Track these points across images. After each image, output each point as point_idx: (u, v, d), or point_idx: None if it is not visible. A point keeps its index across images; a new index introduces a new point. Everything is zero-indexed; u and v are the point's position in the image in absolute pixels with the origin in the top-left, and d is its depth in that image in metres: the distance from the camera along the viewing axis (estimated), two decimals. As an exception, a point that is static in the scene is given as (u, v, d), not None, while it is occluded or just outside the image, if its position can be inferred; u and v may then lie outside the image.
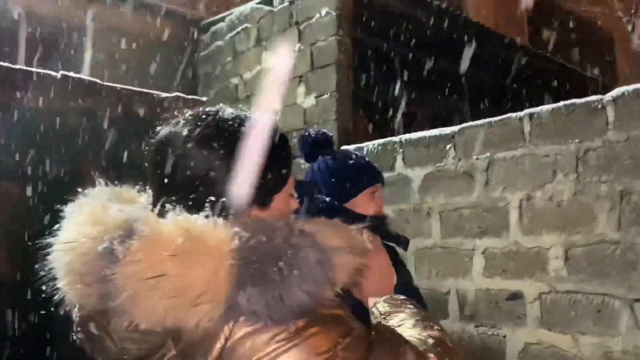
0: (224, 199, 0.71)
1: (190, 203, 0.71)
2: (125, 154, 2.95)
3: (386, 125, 4.00)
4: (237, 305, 0.62)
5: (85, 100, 2.90)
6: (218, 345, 0.65)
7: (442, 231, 2.70)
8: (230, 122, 0.78)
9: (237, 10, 4.39)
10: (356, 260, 0.72)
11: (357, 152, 1.63)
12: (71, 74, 2.94)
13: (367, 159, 1.60)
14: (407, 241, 1.57)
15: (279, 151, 0.78)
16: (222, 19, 4.58)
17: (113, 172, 0.99)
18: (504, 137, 2.45)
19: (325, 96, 3.45)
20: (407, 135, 2.93)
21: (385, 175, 2.96)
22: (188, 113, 0.80)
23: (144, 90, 3.23)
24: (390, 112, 4.20)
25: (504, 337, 2.43)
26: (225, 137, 0.75)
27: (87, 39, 4.59)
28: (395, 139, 2.98)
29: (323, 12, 3.52)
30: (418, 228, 2.81)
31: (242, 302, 0.63)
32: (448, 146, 2.69)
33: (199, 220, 0.68)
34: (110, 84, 3.05)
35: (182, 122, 0.78)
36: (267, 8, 4.03)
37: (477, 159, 2.55)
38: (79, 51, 4.62)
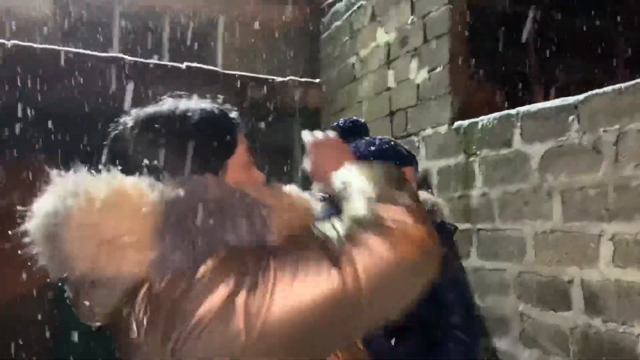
0: (162, 166, 0.83)
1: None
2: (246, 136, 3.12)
3: (513, 97, 3.67)
4: (162, 254, 0.70)
5: (205, 88, 3.12)
6: (143, 290, 0.75)
7: (564, 213, 2.41)
8: (171, 108, 0.89)
9: (353, -12, 4.34)
10: (290, 215, 0.82)
11: (389, 139, 1.54)
12: (194, 64, 3.20)
13: (393, 143, 1.51)
14: (452, 229, 1.46)
15: (218, 123, 0.89)
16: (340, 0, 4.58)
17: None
18: (636, 105, 2.08)
19: (439, 69, 3.27)
20: (526, 107, 2.65)
21: (502, 152, 2.75)
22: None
23: (259, 75, 3.37)
24: (517, 83, 3.84)
25: (638, 335, 2.10)
26: (165, 118, 0.88)
27: (219, 31, 4.93)
28: (513, 111, 2.72)
29: (435, -19, 3.31)
30: (537, 210, 2.55)
31: (165, 250, 0.73)
32: (571, 118, 2.37)
33: (128, 180, 0.79)
34: (228, 72, 3.24)
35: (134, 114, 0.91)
36: (381, -18, 3.92)
37: (604, 131, 2.21)
38: (213, 44, 4.99)
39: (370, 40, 4.04)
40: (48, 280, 0.87)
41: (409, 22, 3.55)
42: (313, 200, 0.90)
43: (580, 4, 3.67)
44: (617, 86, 2.20)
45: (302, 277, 0.73)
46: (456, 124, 3.11)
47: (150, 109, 0.90)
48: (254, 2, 4.95)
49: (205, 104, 0.90)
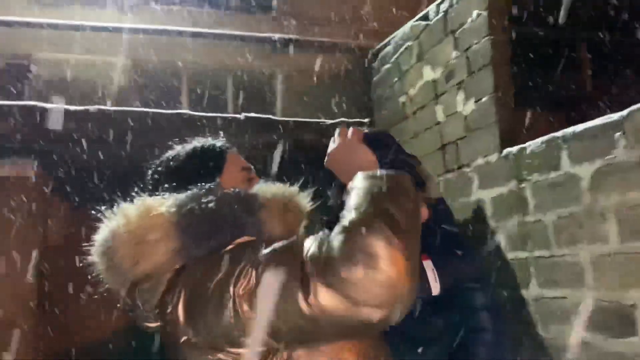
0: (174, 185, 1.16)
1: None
2: (296, 179, 3.31)
3: (566, 119, 3.61)
4: (183, 242, 0.89)
5: (263, 134, 3.38)
6: (168, 275, 1.00)
7: (620, 234, 2.32)
8: (170, 153, 1.30)
9: (399, 32, 4.52)
10: (284, 199, 1.07)
11: (400, 150, 1.60)
12: (251, 114, 3.47)
13: (402, 154, 1.56)
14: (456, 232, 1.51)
15: (200, 155, 1.24)
16: (388, 43, 4.76)
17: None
18: (680, 115, 2.02)
19: (484, 99, 3.31)
20: (571, 128, 2.62)
21: (552, 175, 2.73)
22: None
23: (312, 120, 3.58)
24: (569, 105, 3.77)
25: None
26: (164, 160, 1.28)
27: (277, 83, 5.28)
28: (558, 134, 2.69)
29: (474, 15, 3.40)
30: (593, 232, 2.47)
31: (184, 239, 0.98)
32: (617, 135, 2.33)
33: (152, 198, 1.09)
34: (283, 119, 3.48)
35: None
36: (424, 23, 4.06)
37: (652, 145, 2.15)
38: (273, 95, 5.34)
39: (417, 78, 4.15)
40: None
41: (453, 56, 3.64)
42: (308, 199, 1.12)
43: (626, 23, 3.59)
44: (660, 98, 2.15)
45: (274, 286, 0.87)
46: (505, 151, 3.11)
47: (163, 155, 1.28)
48: (308, 55, 5.27)
49: (194, 143, 1.21)
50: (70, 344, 3.53)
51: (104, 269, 1.06)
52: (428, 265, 1.52)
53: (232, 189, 1.09)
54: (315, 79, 5.25)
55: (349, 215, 0.92)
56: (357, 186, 1.00)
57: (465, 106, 3.51)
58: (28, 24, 5.00)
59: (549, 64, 4.22)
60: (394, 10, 5.42)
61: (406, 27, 4.37)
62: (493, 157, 3.21)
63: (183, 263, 0.98)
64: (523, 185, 2.94)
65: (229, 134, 3.51)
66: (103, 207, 1.12)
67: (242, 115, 3.47)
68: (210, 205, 1.01)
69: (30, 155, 3.39)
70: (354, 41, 5.55)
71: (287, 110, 5.20)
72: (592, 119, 2.52)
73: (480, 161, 3.34)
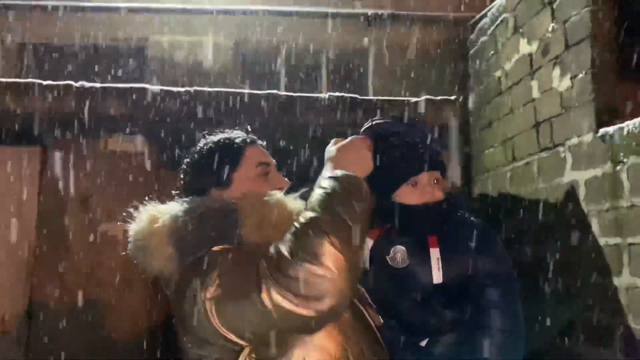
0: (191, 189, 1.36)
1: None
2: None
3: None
4: (176, 249, 1.05)
5: (347, 113, 3.47)
6: (176, 277, 1.08)
7: None
8: (207, 146, 1.41)
9: (496, 2, 4.31)
10: (262, 212, 1.18)
11: (408, 139, 1.53)
12: (335, 93, 3.57)
13: (408, 148, 1.51)
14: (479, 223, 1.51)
15: (217, 151, 1.34)
16: (485, 15, 4.57)
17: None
18: None
19: (581, 75, 3.10)
20: (675, 108, 2.40)
21: (650, 159, 2.53)
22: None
23: (396, 98, 3.60)
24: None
25: None
26: (199, 152, 1.39)
27: (370, 60, 5.30)
28: (660, 114, 2.48)
29: (574, -16, 3.17)
30: (693, 221, 2.28)
31: (175, 247, 1.04)
32: None
33: (162, 206, 1.28)
34: (366, 97, 3.54)
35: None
36: (521, -7, 3.85)
37: None
38: (364, 71, 5.37)
39: (513, 52, 3.97)
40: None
41: (550, 29, 3.43)
42: (297, 201, 1.26)
43: None
44: None
45: (233, 292, 1.05)
46: (601, 131, 2.91)
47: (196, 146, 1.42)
48: (401, 30, 5.22)
49: (217, 137, 1.38)
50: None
51: (138, 263, 1.27)
52: (434, 253, 1.52)
53: (215, 205, 1.22)
54: (411, 54, 5.19)
55: (303, 217, 1.10)
56: (322, 184, 1.17)
57: (561, 82, 3.31)
58: (143, 9, 5.51)
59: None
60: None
61: (503, -2, 4.16)
62: (588, 137, 3.03)
63: (177, 268, 1.17)
64: (619, 167, 2.75)
65: (313, 113, 3.66)
66: (131, 209, 1.31)
67: (326, 95, 3.59)
68: (193, 223, 1.16)
69: (140, 132, 3.81)
70: (451, 13, 5.38)
71: (381, 87, 5.22)
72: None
73: (574, 141, 3.17)
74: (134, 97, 3.68)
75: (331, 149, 1.33)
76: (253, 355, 1.09)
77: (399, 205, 1.58)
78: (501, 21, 4.19)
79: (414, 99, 3.63)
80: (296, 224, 1.10)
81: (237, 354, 1.09)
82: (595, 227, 2.95)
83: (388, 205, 1.58)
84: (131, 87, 3.54)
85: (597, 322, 2.86)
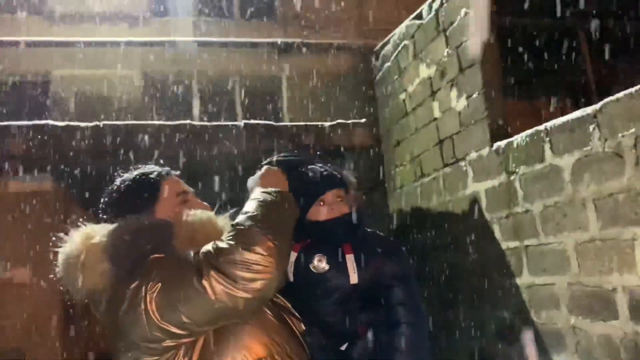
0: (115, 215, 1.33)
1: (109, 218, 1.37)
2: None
3: (561, 110, 3.66)
4: (111, 265, 1.06)
5: (264, 140, 3.54)
6: (109, 291, 1.21)
7: (599, 221, 2.41)
8: (123, 184, 1.42)
9: (397, 30, 4.62)
10: (194, 226, 1.26)
11: (312, 167, 1.74)
12: (251, 121, 3.64)
13: (312, 173, 1.71)
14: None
15: (135, 188, 1.39)
16: (388, 42, 4.87)
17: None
18: (644, 106, 2.10)
19: (474, 95, 3.40)
20: (553, 121, 2.70)
21: (537, 167, 2.82)
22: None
23: (310, 123, 3.73)
24: (573, 94, 3.82)
25: (685, 340, 2.04)
26: (117, 189, 1.41)
27: (283, 87, 5.43)
28: (541, 127, 2.78)
29: (462, 13, 3.50)
30: (575, 221, 2.56)
31: (111, 262, 1.10)
32: (592, 126, 2.41)
33: (96, 226, 1.29)
34: (282, 124, 3.64)
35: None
36: (418, 22, 4.16)
37: (622, 136, 2.23)
38: (278, 98, 5.50)
39: (414, 76, 4.26)
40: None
41: (445, 54, 3.73)
42: (219, 217, 1.34)
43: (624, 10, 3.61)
44: (628, 91, 2.23)
45: (175, 284, 1.13)
46: (495, 145, 3.20)
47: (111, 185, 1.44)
48: (312, 58, 5.41)
49: (132, 175, 1.41)
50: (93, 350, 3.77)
51: (67, 287, 1.26)
52: (350, 258, 1.71)
53: (149, 221, 1.28)
54: (320, 80, 5.38)
55: (239, 216, 1.25)
56: (254, 197, 1.32)
57: (458, 102, 3.60)
58: (46, 43, 5.29)
59: (549, 53, 4.26)
60: (395, 9, 5.51)
61: (402, 26, 4.47)
62: (485, 151, 3.31)
63: (113, 283, 1.19)
64: (512, 177, 3.03)
65: (230, 141, 3.69)
66: (59, 233, 1.31)
67: (241, 123, 3.64)
68: (129, 238, 1.21)
69: (46, 171, 3.63)
70: (357, 41, 5.66)
71: (294, 113, 5.35)
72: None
73: (473, 155, 3.44)
74: (36, 134, 3.52)
75: (253, 178, 1.45)
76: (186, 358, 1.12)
77: (312, 222, 1.71)
78: (402, 47, 4.48)
79: (327, 124, 3.77)
80: (234, 223, 1.23)
81: (172, 355, 1.14)
82: (497, 232, 3.21)
83: (304, 223, 1.69)
84: (34, 124, 3.39)
85: (504, 321, 3.09)
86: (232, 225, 1.22)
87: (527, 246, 2.94)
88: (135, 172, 1.42)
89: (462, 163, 3.58)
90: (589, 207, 2.47)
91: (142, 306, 1.12)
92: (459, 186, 3.64)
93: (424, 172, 4.17)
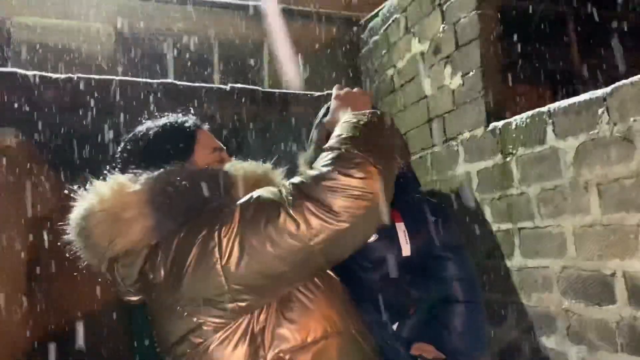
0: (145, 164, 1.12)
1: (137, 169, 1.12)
2: (283, 149, 3.32)
3: (554, 94, 3.66)
4: (156, 219, 0.89)
5: (249, 105, 3.35)
6: (146, 251, 1.01)
7: (602, 206, 2.40)
8: (154, 131, 1.21)
9: (387, 3, 4.48)
10: (256, 175, 1.08)
11: None
12: (237, 85, 3.43)
13: None
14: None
15: (169, 135, 1.18)
16: (377, 14, 4.73)
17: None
18: (663, 91, 2.08)
19: (471, 73, 3.33)
20: (557, 104, 2.66)
21: (537, 149, 2.78)
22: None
23: (299, 92, 3.56)
24: (559, 80, 3.82)
25: (684, 326, 2.06)
26: (145, 137, 1.19)
27: (264, 54, 5.21)
28: (544, 109, 2.74)
29: (463, -12, 3.40)
30: (576, 205, 2.55)
31: (157, 216, 0.98)
32: (600, 110, 2.38)
33: (124, 176, 1.08)
34: (269, 90, 3.45)
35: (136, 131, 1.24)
36: (412, -5, 4.04)
37: (634, 120, 2.21)
38: (259, 65, 5.27)
39: (405, 51, 4.15)
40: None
41: (441, 30, 3.64)
42: (281, 176, 1.14)
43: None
44: (644, 75, 2.20)
45: (260, 220, 0.92)
46: (491, 125, 3.15)
47: (133, 131, 1.23)
48: (297, 24, 5.20)
49: (164, 121, 1.20)
50: (60, 318, 3.54)
51: (82, 248, 1.05)
52: (400, 227, 1.57)
53: (205, 168, 1.09)
54: (304, 49, 5.19)
55: (331, 140, 1.03)
56: (345, 119, 1.09)
57: (453, 80, 3.53)
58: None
59: (538, 38, 4.25)
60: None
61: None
62: (479, 131, 3.26)
63: (158, 239, 0.99)
64: (508, 158, 2.99)
65: (214, 104, 3.49)
66: (76, 186, 1.10)
67: (227, 86, 3.43)
68: (183, 183, 1.01)
69: (10, 124, 3.32)
70: (344, 11, 5.48)
71: (274, 81, 5.15)
72: (579, 93, 2.57)
73: (466, 135, 3.39)
74: (1, 83, 3.20)
75: (332, 104, 1.25)
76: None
77: None
78: (393, 21, 4.36)
79: (317, 93, 3.62)
80: (326, 146, 1.02)
81: (244, 321, 0.96)
82: (487, 214, 3.19)
83: None
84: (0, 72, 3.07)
85: (492, 302, 3.09)
86: (325, 148, 1.01)
87: (520, 228, 2.92)
88: (164, 120, 1.21)
89: (454, 142, 3.52)
90: (591, 191, 2.45)
91: (217, 255, 0.91)
92: (448, 166, 3.59)
93: (410, 151, 4.09)
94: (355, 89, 1.29)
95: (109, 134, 3.25)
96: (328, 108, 1.46)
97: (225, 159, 1.21)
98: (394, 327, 1.57)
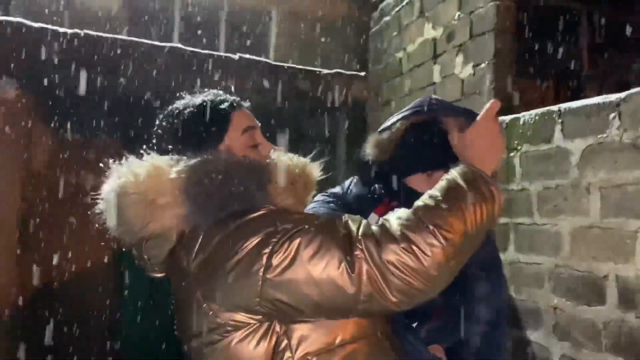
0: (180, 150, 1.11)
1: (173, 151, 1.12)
2: (292, 126, 3.30)
3: (563, 94, 3.66)
4: (190, 209, 0.89)
5: (256, 77, 3.31)
6: (175, 234, 1.02)
7: (602, 210, 2.43)
8: (190, 109, 1.17)
9: (403, -16, 4.41)
10: (294, 170, 1.05)
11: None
12: (246, 55, 3.38)
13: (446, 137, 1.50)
14: None
15: (202, 117, 1.13)
16: (390, -6, 4.65)
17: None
18: (678, 102, 2.09)
19: (483, 65, 3.32)
20: (568, 104, 2.67)
21: (543, 147, 2.79)
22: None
23: (308, 67, 3.52)
24: (565, 79, 3.82)
25: (670, 333, 2.12)
26: (180, 115, 1.16)
27: (272, 23, 5.11)
28: (554, 108, 2.74)
29: (483, -23, 3.35)
30: (576, 206, 2.58)
31: (191, 206, 0.98)
32: (612, 115, 2.39)
33: (161, 158, 1.06)
34: (278, 63, 3.40)
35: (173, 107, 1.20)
36: (430, -22, 3.98)
37: (645, 129, 2.23)
38: (267, 36, 5.18)
39: (417, 35, 4.11)
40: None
41: (456, 17, 3.60)
42: (319, 170, 1.12)
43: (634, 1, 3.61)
44: (660, 84, 2.20)
45: (318, 259, 0.90)
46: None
47: (171, 107, 1.20)
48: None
49: (201, 99, 1.16)
50: (51, 272, 3.54)
51: (114, 224, 1.05)
52: None
53: (242, 158, 1.06)
54: (313, 22, 5.11)
55: (427, 198, 0.98)
56: (454, 178, 1.02)
57: (464, 69, 3.51)
58: None
59: (550, 35, 4.22)
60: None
61: (410, -19, 4.27)
62: (486, 123, 3.25)
63: (190, 227, 1.00)
64: (512, 154, 3.01)
65: (220, 74, 3.44)
66: (111, 160, 1.08)
67: (236, 56, 3.38)
68: (220, 177, 0.99)
69: (11, 75, 3.25)
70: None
71: (280, 53, 5.07)
72: (585, 95, 2.57)
73: (472, 126, 3.38)
74: (4, 32, 3.11)
75: (488, 115, 1.13)
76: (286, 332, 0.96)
77: (410, 190, 1.51)
78: (407, 3, 4.30)
79: (326, 71, 3.58)
80: (417, 205, 0.97)
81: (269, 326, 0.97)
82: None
83: (400, 185, 1.52)
84: (5, 20, 2.97)
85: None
86: (411, 211, 0.96)
87: (517, 224, 2.96)
88: (202, 98, 1.17)
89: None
90: (594, 193, 2.48)
91: (261, 272, 0.90)
92: (450, 155, 3.59)
93: (412, 136, 4.09)
94: (499, 127, 1.15)
95: (112, 94, 3.19)
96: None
97: (257, 140, 1.17)
98: (414, 325, 1.56)
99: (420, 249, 0.90)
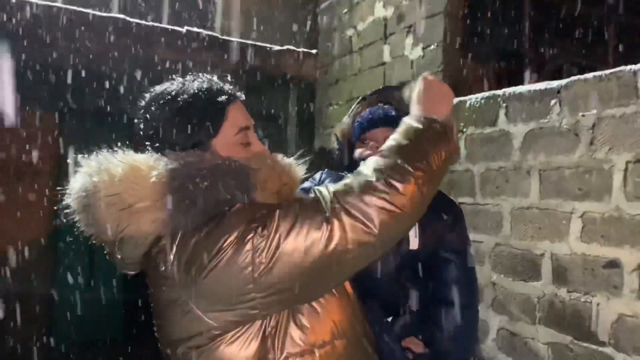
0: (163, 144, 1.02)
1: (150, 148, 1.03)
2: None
3: (507, 77, 3.78)
4: (170, 214, 0.86)
5: (204, 52, 3.20)
6: (164, 240, 0.96)
7: (541, 191, 2.57)
8: (182, 96, 1.05)
9: (354, -39, 4.37)
10: (281, 177, 1.02)
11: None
12: (194, 29, 3.26)
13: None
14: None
15: (199, 110, 1.04)
16: (341, -30, 4.60)
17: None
18: (613, 93, 2.22)
19: (433, 47, 3.37)
20: (512, 89, 2.77)
21: (487, 130, 2.88)
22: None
23: (258, 43, 3.44)
24: (512, 63, 3.94)
25: (597, 305, 2.29)
26: (172, 103, 1.04)
27: (219, -5, 4.95)
28: (499, 92, 2.84)
29: (435, -41, 3.38)
30: (516, 187, 2.70)
31: (172, 211, 0.92)
32: (553, 101, 2.50)
33: (139, 156, 0.98)
34: (227, 38, 3.31)
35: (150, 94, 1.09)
36: (382, -44, 3.97)
37: (582, 115, 2.35)
38: (212, 6, 5.01)
39: (368, 14, 4.11)
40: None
41: (407, -2, 3.62)
42: (297, 163, 1.09)
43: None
44: (598, 73, 2.32)
45: (299, 227, 0.90)
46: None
47: (155, 91, 1.08)
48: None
49: (197, 87, 1.06)
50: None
51: (85, 223, 0.98)
52: None
53: (229, 163, 1.00)
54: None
55: (389, 142, 1.02)
56: (413, 121, 1.06)
57: (413, 51, 3.55)
58: None
59: (497, 18, 4.33)
60: None
61: (362, -42, 4.24)
62: (434, 105, 3.32)
63: (168, 232, 0.95)
64: (458, 135, 3.10)
65: (167, 47, 3.30)
66: (80, 155, 0.99)
67: (184, 29, 3.25)
68: (205, 183, 0.94)
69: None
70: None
71: (225, 27, 4.92)
72: (525, 77, 2.67)
73: (420, 107, 3.45)
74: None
75: (426, 80, 1.17)
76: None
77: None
78: (358, -19, 4.27)
79: (277, 47, 3.51)
80: (384, 146, 1.01)
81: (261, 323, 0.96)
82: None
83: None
84: None
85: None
86: (380, 152, 1.00)
87: (460, 203, 3.07)
88: (197, 86, 1.07)
89: (407, 113, 3.58)
90: (533, 176, 2.61)
91: (249, 260, 0.88)
92: (398, 135, 3.66)
93: (361, 115, 4.12)
94: (443, 84, 1.21)
95: (46, 65, 3.00)
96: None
97: (250, 141, 1.10)
98: (388, 319, 1.57)
99: (394, 179, 0.94)
